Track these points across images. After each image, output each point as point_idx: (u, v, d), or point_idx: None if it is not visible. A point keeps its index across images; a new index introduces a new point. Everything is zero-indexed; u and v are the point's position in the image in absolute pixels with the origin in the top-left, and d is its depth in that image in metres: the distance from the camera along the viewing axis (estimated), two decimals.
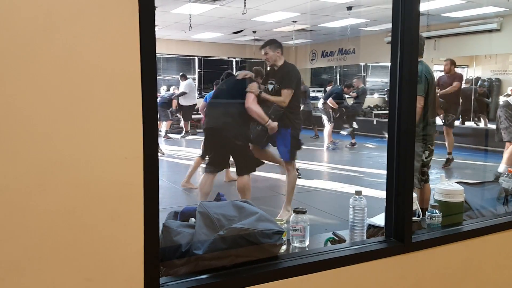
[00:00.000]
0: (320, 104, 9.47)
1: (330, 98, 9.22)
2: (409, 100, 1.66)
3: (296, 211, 1.78)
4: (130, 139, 1.14)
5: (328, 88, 10.92)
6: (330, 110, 9.18)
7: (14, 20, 1.00)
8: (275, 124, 3.92)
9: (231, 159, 4.16)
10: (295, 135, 4.16)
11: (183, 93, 9.74)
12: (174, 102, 9.94)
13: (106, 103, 1.11)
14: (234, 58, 14.42)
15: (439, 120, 7.53)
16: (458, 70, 13.83)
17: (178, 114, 10.36)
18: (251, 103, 3.76)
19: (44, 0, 1.02)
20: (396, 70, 1.67)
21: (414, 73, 1.66)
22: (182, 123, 10.53)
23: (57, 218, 1.08)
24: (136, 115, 1.14)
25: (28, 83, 1.02)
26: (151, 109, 1.15)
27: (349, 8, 8.93)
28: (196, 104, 9.80)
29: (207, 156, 4.20)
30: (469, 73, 13.57)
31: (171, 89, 10.56)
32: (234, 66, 14.41)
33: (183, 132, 10.51)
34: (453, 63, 7.04)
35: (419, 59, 3.49)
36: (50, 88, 1.04)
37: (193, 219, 1.59)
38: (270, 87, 4.07)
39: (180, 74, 10.61)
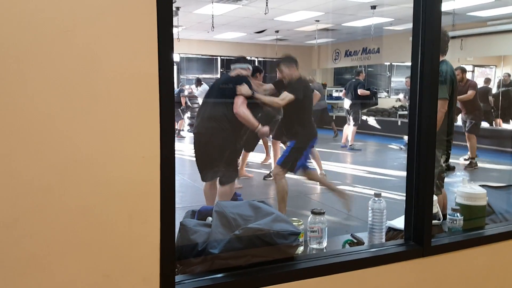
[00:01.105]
0: (347, 105, 9.08)
1: (359, 90, 9.06)
2: (430, 101, 1.63)
3: (314, 212, 1.77)
4: (147, 139, 1.16)
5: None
6: (359, 110, 8.98)
7: (36, 21, 1.02)
8: (266, 129, 3.72)
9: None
10: (298, 148, 3.99)
11: (194, 96, 9.79)
12: (183, 99, 9.97)
13: (125, 103, 1.13)
14: (257, 57, 14.44)
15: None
16: (486, 70, 13.59)
17: (187, 114, 10.42)
18: (239, 107, 3.51)
19: (65, 2, 1.04)
20: (417, 70, 1.64)
21: (435, 73, 1.63)
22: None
23: (77, 215, 1.11)
24: (153, 115, 1.15)
25: (49, 83, 1.05)
26: (168, 109, 1.17)
27: (373, 7, 8.83)
28: None
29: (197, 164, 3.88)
30: (497, 73, 13.26)
31: (186, 88, 10.57)
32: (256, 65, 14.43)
33: None
34: (464, 71, 6.98)
35: (443, 58, 3.29)
36: (70, 89, 1.07)
37: (210, 218, 1.60)
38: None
39: (196, 79, 10.59)
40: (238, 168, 3.91)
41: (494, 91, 10.65)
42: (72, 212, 1.10)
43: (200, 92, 9.76)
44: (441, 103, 3.23)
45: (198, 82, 10.12)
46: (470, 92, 6.73)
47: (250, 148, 5.77)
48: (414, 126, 1.67)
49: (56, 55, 1.05)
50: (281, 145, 5.46)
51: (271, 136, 5.63)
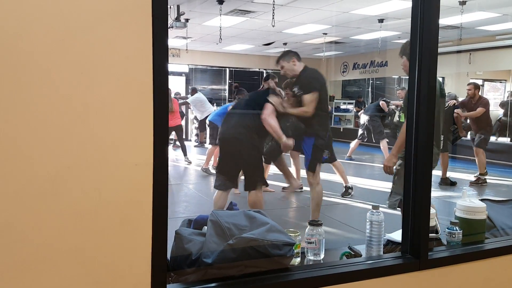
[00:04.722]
0: (365, 120, 8.87)
1: (382, 101, 9.06)
2: (427, 116, 1.63)
3: (312, 224, 1.77)
4: (140, 146, 1.17)
5: (360, 111, 10.56)
6: (381, 124, 8.93)
7: (34, 29, 1.05)
8: (291, 142, 3.62)
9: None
10: (319, 145, 3.81)
11: (186, 103, 9.78)
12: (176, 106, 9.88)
13: (118, 111, 1.14)
14: (265, 69, 14.51)
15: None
16: (497, 84, 13.48)
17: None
18: (268, 115, 3.50)
19: (62, 12, 1.07)
20: (414, 84, 1.65)
21: (432, 87, 1.63)
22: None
23: (68, 222, 1.12)
24: (146, 123, 1.17)
25: (44, 90, 1.07)
26: (162, 117, 1.18)
27: (381, 20, 8.86)
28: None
29: (217, 170, 3.94)
30: (507, 87, 13.19)
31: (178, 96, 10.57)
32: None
33: (198, 142, 10.67)
34: (477, 87, 6.90)
35: None
36: (64, 96, 1.09)
37: (206, 227, 1.60)
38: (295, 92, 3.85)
39: (191, 88, 10.52)
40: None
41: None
42: (64, 219, 1.11)
43: (192, 99, 9.67)
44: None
45: (193, 91, 9.89)
46: (479, 109, 6.64)
47: (271, 159, 5.71)
48: (411, 140, 1.67)
49: (51, 63, 1.07)
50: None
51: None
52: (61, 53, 1.08)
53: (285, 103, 3.84)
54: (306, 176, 3.98)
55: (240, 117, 3.73)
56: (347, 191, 5.76)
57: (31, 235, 1.08)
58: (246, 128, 3.60)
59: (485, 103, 6.83)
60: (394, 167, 3.29)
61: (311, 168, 3.86)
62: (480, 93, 7.41)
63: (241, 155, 3.66)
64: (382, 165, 3.37)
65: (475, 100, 6.78)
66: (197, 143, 10.80)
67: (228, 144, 3.73)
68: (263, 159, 3.86)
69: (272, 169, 6.60)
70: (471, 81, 10.92)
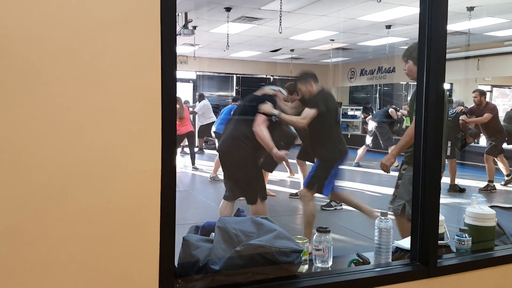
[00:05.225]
0: (373, 126, 8.89)
1: (391, 109, 9.08)
2: (435, 122, 1.63)
3: (319, 230, 1.76)
4: (149, 153, 1.18)
5: (368, 117, 10.54)
6: (389, 130, 8.91)
7: (44, 36, 1.06)
8: (282, 153, 3.54)
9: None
10: (324, 167, 3.77)
11: (194, 112, 9.81)
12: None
13: (127, 118, 1.15)
14: (272, 75, 14.54)
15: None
16: (505, 90, 13.37)
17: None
18: (258, 126, 3.43)
19: (71, 19, 1.08)
20: (422, 91, 1.64)
21: (441, 93, 1.63)
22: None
23: (77, 227, 1.12)
24: (155, 130, 1.17)
25: (54, 97, 1.08)
26: (170, 123, 1.19)
27: (388, 26, 8.85)
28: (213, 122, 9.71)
29: (224, 178, 3.94)
30: None
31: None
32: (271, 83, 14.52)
33: (197, 148, 10.69)
34: (482, 94, 6.84)
35: None
36: (74, 102, 1.10)
37: (213, 234, 1.60)
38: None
39: (198, 94, 10.61)
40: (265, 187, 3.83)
41: None
42: (72, 224, 1.11)
43: (199, 107, 9.71)
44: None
45: (200, 97, 10.01)
46: (486, 115, 6.61)
47: (270, 168, 5.69)
48: (419, 146, 1.67)
49: (60, 69, 1.08)
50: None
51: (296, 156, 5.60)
52: (70, 60, 1.09)
53: (284, 104, 3.81)
54: None
55: (236, 127, 3.65)
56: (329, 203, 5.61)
57: (39, 241, 1.09)
58: (241, 140, 3.54)
59: (492, 109, 6.76)
60: (391, 167, 3.24)
61: (309, 186, 3.82)
62: (488, 99, 7.36)
63: (238, 168, 3.62)
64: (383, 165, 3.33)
65: (483, 106, 6.75)
66: (197, 149, 10.83)
67: (225, 157, 3.73)
68: (263, 167, 3.84)
69: (272, 175, 6.59)
70: (478, 87, 10.88)
